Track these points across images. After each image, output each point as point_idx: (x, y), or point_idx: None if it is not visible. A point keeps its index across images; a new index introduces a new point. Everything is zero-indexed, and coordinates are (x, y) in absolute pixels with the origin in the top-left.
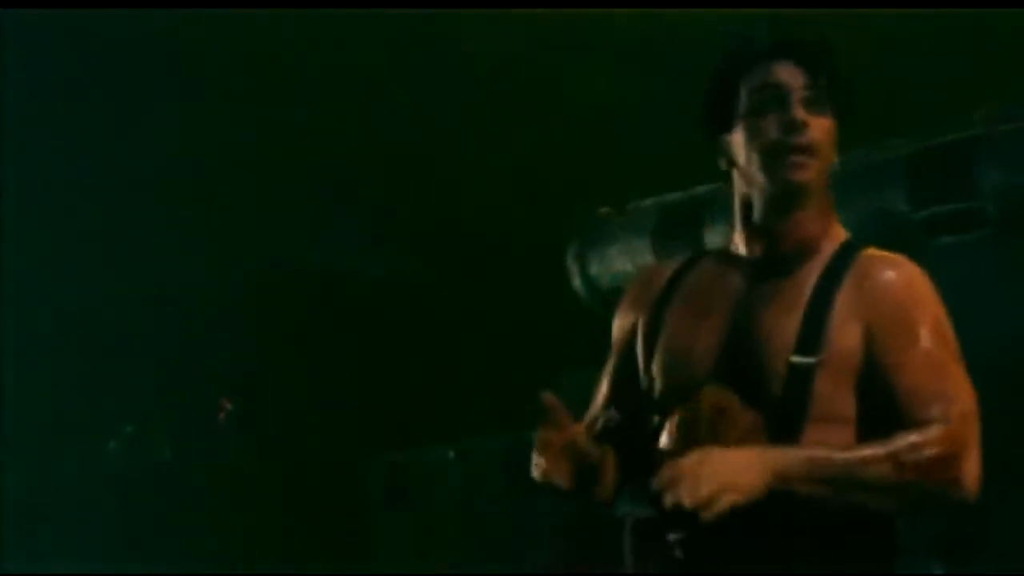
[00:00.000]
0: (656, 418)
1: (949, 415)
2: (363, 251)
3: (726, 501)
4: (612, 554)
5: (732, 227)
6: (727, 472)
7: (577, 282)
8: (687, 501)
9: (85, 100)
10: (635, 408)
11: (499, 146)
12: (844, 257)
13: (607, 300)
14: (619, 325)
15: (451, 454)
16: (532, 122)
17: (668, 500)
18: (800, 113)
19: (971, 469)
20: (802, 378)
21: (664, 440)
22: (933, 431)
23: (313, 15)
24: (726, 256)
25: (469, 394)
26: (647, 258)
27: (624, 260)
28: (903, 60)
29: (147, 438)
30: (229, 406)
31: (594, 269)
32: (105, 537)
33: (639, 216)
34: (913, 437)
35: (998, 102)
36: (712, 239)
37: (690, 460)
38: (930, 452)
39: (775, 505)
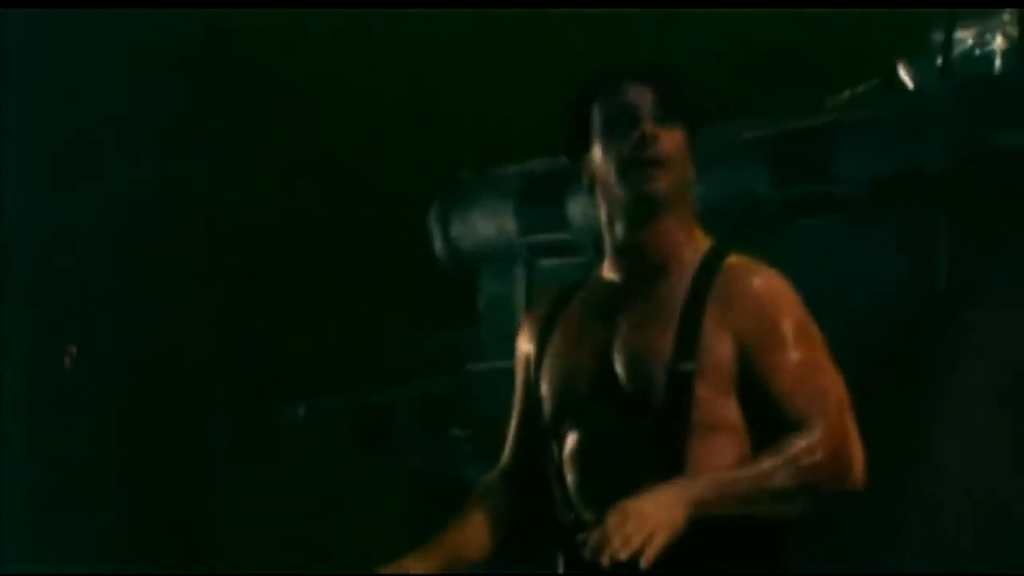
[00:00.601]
0: (552, 443)
1: (827, 409)
2: (230, 188)
3: (658, 542)
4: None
5: (601, 251)
6: (650, 517)
7: (438, 243)
8: (623, 555)
9: None
10: (539, 435)
11: (373, 98)
12: (710, 266)
13: (467, 262)
14: (518, 357)
15: (300, 411)
16: (405, 78)
17: (606, 560)
18: (649, 128)
19: (857, 456)
20: (682, 385)
21: (563, 464)
22: (817, 430)
23: None
24: (598, 282)
25: (321, 351)
26: (510, 222)
27: (487, 223)
28: (762, 43)
29: None
30: (74, 351)
31: (456, 231)
32: None
33: (503, 180)
34: (803, 440)
35: (856, 87)
36: (574, 208)
37: (612, 519)
38: (822, 451)
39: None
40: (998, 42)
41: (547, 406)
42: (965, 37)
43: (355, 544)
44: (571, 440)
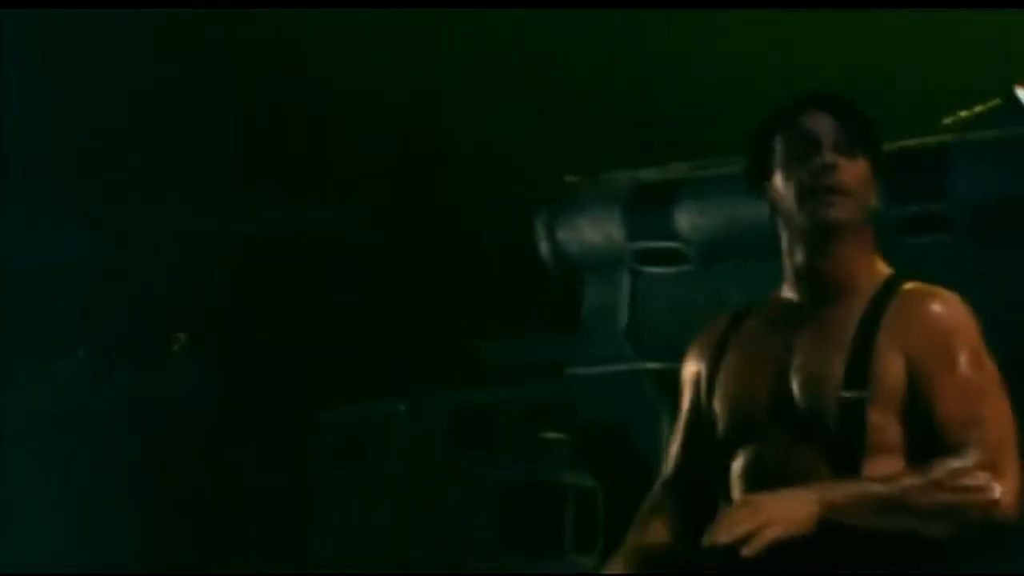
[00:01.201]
0: (723, 459)
1: (985, 439)
2: (326, 210)
3: (768, 535)
4: (554, 525)
5: (783, 275)
6: (769, 508)
7: (544, 247)
8: (723, 538)
9: None
10: (705, 451)
11: (482, 100)
12: (886, 293)
13: (573, 267)
14: (686, 376)
15: (402, 407)
16: (512, 92)
17: (705, 540)
18: (830, 156)
19: (1010, 490)
20: (854, 412)
21: (733, 480)
22: (970, 456)
23: None
24: (776, 303)
25: (426, 352)
26: (616, 230)
27: (593, 230)
28: (876, 64)
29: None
30: (183, 338)
31: (562, 236)
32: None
33: (611, 188)
34: (952, 463)
35: (972, 109)
36: (682, 219)
37: (733, 506)
38: (969, 477)
39: (817, 539)
40: None
41: (722, 423)
42: None
43: (447, 540)
44: (745, 457)
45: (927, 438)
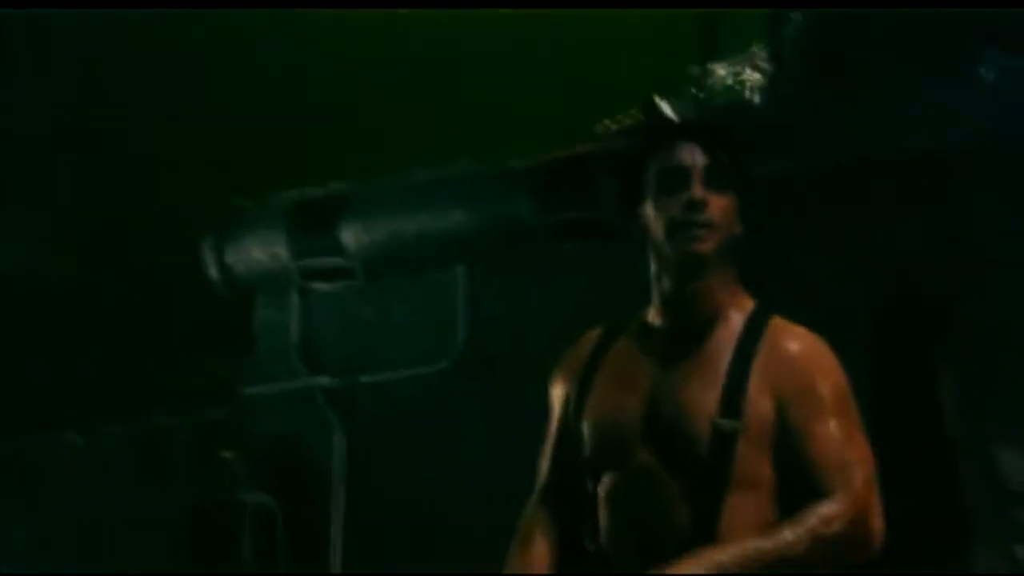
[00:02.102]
0: (589, 482)
1: (851, 480)
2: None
3: None
4: (235, 547)
5: (651, 300)
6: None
7: (213, 271)
8: None
9: None
10: (572, 471)
11: (143, 135)
12: (755, 327)
13: (243, 289)
14: (554, 395)
15: (78, 438)
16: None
17: None
18: (699, 192)
19: (877, 529)
20: (725, 441)
21: (599, 503)
22: (840, 503)
23: None
24: (644, 327)
25: (99, 380)
26: (283, 249)
27: (260, 251)
28: (525, 71)
29: None
30: None
31: (230, 258)
32: None
33: (275, 208)
34: (824, 510)
35: (616, 117)
36: (347, 236)
37: None
38: (841, 524)
39: None
40: (752, 76)
41: (589, 445)
42: (721, 71)
43: (132, 567)
44: (610, 481)
45: (792, 475)
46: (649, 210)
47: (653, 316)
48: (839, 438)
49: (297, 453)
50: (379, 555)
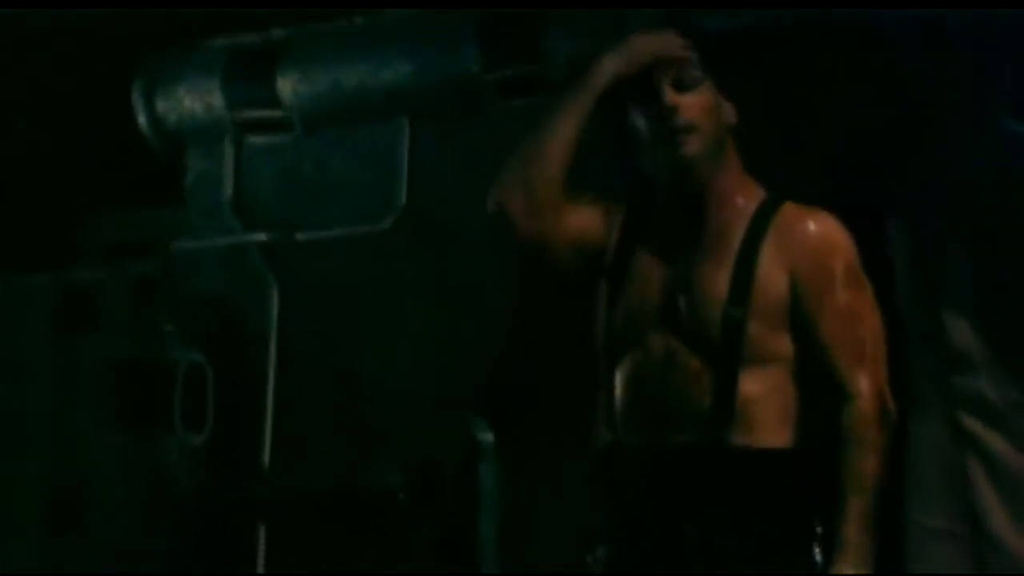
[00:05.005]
0: (611, 360)
1: (865, 360)
2: None
3: None
4: (165, 403)
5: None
6: None
7: (142, 119)
8: None
9: None
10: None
11: None
12: (766, 212)
13: (172, 139)
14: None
15: None
16: None
17: None
18: (671, 98)
19: (893, 406)
20: (735, 325)
21: (618, 381)
22: (858, 388)
23: None
24: (662, 221)
25: (21, 229)
26: (216, 99)
27: (193, 99)
28: None
29: None
30: None
31: (161, 107)
32: None
33: (210, 54)
34: (851, 410)
35: None
36: (284, 84)
37: None
38: (868, 419)
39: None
40: None
41: (617, 325)
42: None
43: (52, 430)
44: (630, 363)
45: (807, 348)
46: (634, 128)
47: (667, 212)
48: (852, 314)
49: (229, 311)
50: (312, 416)
